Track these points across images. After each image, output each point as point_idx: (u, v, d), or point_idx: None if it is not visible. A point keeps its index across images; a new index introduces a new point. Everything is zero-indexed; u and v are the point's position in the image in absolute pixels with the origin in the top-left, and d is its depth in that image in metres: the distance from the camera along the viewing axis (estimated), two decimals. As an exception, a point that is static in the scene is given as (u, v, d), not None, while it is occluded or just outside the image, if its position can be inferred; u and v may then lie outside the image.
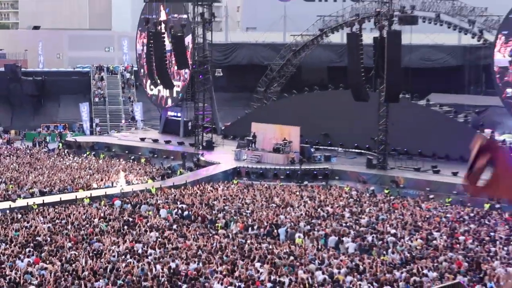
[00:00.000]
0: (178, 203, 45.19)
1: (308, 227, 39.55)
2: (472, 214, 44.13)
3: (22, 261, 30.15)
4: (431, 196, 49.34)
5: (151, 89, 73.92)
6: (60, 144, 70.19)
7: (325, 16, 68.39)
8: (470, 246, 35.92)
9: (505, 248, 35.53)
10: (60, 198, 46.99)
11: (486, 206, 46.44)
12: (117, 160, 63.04)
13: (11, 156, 64.34)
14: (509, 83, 57.51)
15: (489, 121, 64.52)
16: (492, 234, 38.71)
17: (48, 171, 57.39)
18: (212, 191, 49.31)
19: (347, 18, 65.10)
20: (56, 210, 42.80)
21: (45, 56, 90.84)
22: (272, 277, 28.41)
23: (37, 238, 35.07)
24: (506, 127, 62.93)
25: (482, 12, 61.74)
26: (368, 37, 58.14)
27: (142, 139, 68.91)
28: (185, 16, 69.37)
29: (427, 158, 56.74)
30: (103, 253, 32.29)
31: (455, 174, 52.22)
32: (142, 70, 75.12)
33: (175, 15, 70.07)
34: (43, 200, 45.64)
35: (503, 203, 46.65)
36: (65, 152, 66.74)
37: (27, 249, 32.55)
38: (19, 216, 40.50)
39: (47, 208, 43.02)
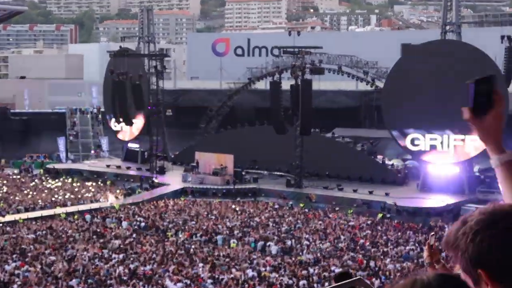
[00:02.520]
0: (137, 216, 44.67)
1: (241, 234, 39.37)
2: (369, 222, 44.39)
3: (9, 265, 29.48)
4: (336, 208, 49.47)
5: (115, 126, 73.06)
6: (41, 170, 69.06)
7: (252, 68, 68.53)
8: (367, 248, 36.09)
9: (395, 249, 35.79)
10: (41, 214, 46.23)
11: (379, 215, 46.77)
12: (88, 183, 62.08)
13: (1, 180, 63.01)
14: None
15: (381, 149, 65.19)
16: (384, 237, 38.98)
17: (32, 192, 56.31)
18: (164, 207, 48.83)
19: (269, 69, 65.31)
20: (38, 223, 42.03)
21: (29, 100, 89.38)
22: (212, 275, 28.18)
23: (22, 246, 34.35)
24: (394, 154, 63.64)
25: (374, 64, 62.46)
26: (286, 84, 58.46)
27: (108, 166, 68.11)
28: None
29: (333, 179, 56.93)
30: (76, 258, 31.73)
31: (355, 191, 52.55)
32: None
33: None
34: (27, 216, 44.78)
35: (392, 213, 47.09)
36: (45, 176, 65.76)
37: (14, 255, 31.85)
38: (8, 228, 39.63)
39: (30, 222, 42.22)
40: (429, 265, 4.11)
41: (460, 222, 2.26)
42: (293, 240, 37.67)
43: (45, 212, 46.88)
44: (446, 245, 2.28)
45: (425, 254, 4.03)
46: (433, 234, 4.45)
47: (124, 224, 42.22)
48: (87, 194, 55.36)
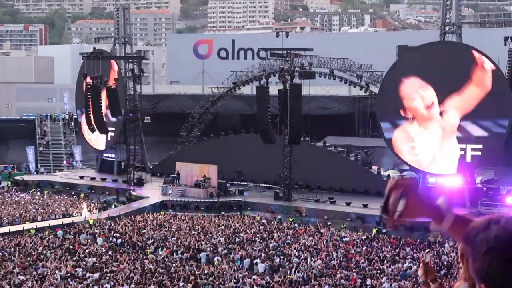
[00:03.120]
0: (113, 232, 44.62)
1: (226, 251, 39.42)
2: (363, 238, 44.56)
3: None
4: (329, 223, 49.62)
5: (89, 134, 72.96)
6: (9, 182, 68.88)
7: (237, 72, 68.74)
8: (362, 265, 36.23)
9: (391, 267, 35.95)
10: (9, 229, 46.09)
11: (374, 230, 46.94)
12: (60, 196, 61.93)
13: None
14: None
15: (376, 159, 65.50)
16: (380, 254, 39.14)
17: (-2, 206, 56.15)
18: (142, 222, 48.81)
19: (256, 73, 65.56)
20: (5, 240, 41.88)
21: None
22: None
23: (-12, 265, 34.20)
24: (390, 164, 63.95)
25: (367, 68, 62.85)
26: (273, 89, 58.63)
27: (81, 177, 68.00)
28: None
29: (324, 191, 57.14)
30: (47, 277, 31.65)
31: (348, 204, 52.76)
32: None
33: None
34: (-6, 231, 44.61)
35: (388, 227, 47.28)
36: (14, 189, 65.58)
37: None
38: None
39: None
40: (423, 283, 4.25)
41: (485, 224, 2.44)
42: (282, 257, 37.76)
43: (13, 228, 46.74)
44: (465, 237, 2.46)
45: (420, 272, 4.17)
46: (428, 251, 4.59)
47: (99, 240, 42.16)
48: (58, 208, 55.20)
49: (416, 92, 52.59)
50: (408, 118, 53.06)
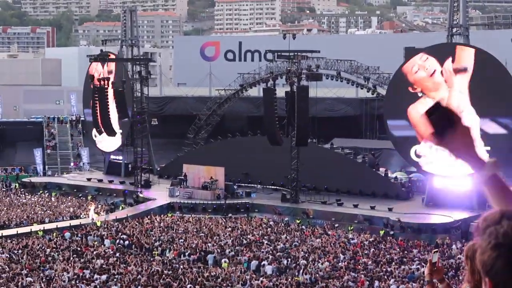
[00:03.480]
0: (120, 234, 44.69)
1: (233, 253, 39.44)
2: (371, 240, 44.51)
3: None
4: (336, 225, 49.60)
5: (95, 136, 73.08)
6: (17, 184, 69.05)
7: (244, 74, 68.78)
8: (369, 267, 36.20)
9: (399, 269, 35.91)
10: (17, 231, 46.20)
11: (381, 232, 46.90)
12: (67, 197, 62.04)
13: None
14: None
15: (383, 161, 65.41)
16: (387, 256, 39.10)
17: (6, 208, 56.26)
18: (149, 223, 48.86)
19: (263, 75, 65.56)
20: (13, 242, 41.99)
21: (3, 108, 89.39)
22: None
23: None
24: (398, 166, 63.86)
25: (375, 70, 62.77)
26: (280, 91, 58.64)
27: (89, 179, 68.12)
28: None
29: (332, 193, 57.09)
30: (55, 279, 31.73)
31: (355, 206, 52.73)
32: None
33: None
34: (1, 233, 44.72)
35: (396, 230, 47.24)
36: (21, 191, 65.74)
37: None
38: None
39: (5, 240, 42.18)
40: (428, 283, 4.26)
41: (497, 217, 2.46)
42: (289, 259, 37.76)
43: (21, 230, 46.83)
44: (476, 228, 2.50)
45: (426, 271, 4.19)
46: (436, 251, 4.60)
47: (107, 242, 42.24)
48: (66, 210, 55.30)
49: (416, 64, 52.74)
50: (419, 96, 52.98)
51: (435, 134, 2.76)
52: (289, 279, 33.37)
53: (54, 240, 42.90)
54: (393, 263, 37.32)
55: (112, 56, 70.12)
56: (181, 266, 35.82)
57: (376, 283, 32.56)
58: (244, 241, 42.74)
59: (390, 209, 51.11)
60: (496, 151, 50.70)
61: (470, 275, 3.23)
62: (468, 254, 3.17)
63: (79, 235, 44.49)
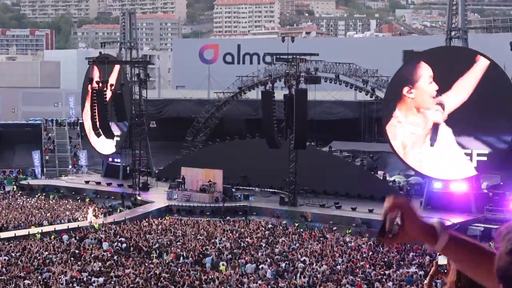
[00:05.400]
0: (118, 237, 44.65)
1: (231, 256, 39.41)
2: (369, 243, 44.47)
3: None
4: (334, 228, 49.55)
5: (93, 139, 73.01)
6: (15, 187, 69.03)
7: (243, 76, 68.78)
8: (367, 271, 36.17)
9: (397, 272, 35.89)
10: (15, 234, 46.16)
11: (380, 236, 46.73)
12: (65, 200, 62.00)
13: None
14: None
15: (382, 164, 65.42)
16: (385, 259, 39.08)
17: (4, 210, 56.22)
18: (147, 226, 48.82)
19: (261, 78, 65.53)
20: (11, 244, 41.95)
21: (2, 111, 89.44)
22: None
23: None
24: (396, 169, 63.84)
25: (373, 73, 62.75)
26: (279, 94, 58.68)
27: (87, 182, 68.14)
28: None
29: (330, 196, 57.05)
30: (52, 281, 31.69)
31: (354, 209, 52.71)
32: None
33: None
34: (-1, 236, 44.69)
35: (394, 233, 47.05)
36: (19, 193, 65.71)
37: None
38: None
39: (3, 243, 42.14)
40: (428, 284, 4.26)
41: None
42: (287, 263, 37.72)
43: (19, 232, 46.79)
44: (498, 233, 2.49)
45: (432, 270, 4.19)
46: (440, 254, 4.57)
47: (105, 245, 42.20)
48: (64, 213, 55.25)
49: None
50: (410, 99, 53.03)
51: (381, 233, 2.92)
52: (287, 282, 33.35)
53: (52, 242, 42.87)
54: (391, 266, 37.29)
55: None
56: (179, 269, 35.79)
57: (374, 286, 32.51)
58: (242, 244, 42.71)
59: (388, 213, 50.94)
60: (494, 156, 50.71)
61: (450, 281, 3.24)
62: (449, 261, 3.18)
63: (77, 237, 44.45)
